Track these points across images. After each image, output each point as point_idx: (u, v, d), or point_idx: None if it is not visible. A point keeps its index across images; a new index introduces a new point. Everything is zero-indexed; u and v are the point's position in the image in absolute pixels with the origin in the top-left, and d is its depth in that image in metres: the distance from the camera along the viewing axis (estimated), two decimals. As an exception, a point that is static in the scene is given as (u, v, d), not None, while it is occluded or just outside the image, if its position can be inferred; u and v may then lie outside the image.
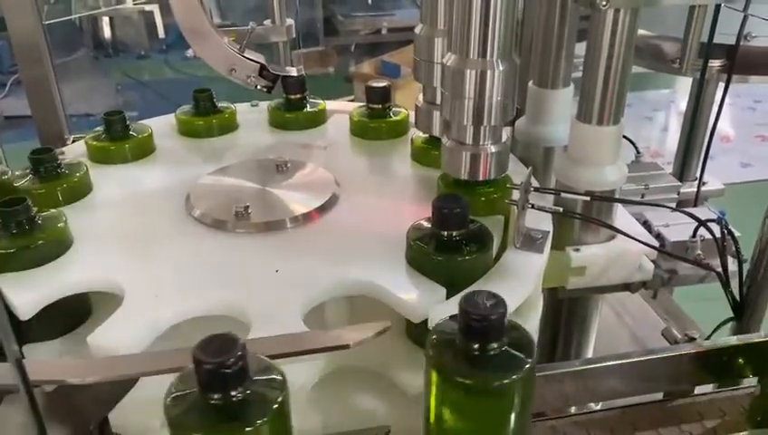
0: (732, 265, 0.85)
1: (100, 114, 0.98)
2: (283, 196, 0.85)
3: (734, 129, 3.90)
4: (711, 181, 1.25)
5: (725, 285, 0.82)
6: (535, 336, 0.78)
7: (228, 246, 0.77)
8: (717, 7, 0.93)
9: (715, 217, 0.83)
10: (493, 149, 0.76)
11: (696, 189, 1.16)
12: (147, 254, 0.76)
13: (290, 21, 1.11)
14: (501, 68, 0.71)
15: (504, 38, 0.70)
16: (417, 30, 0.87)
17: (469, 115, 0.73)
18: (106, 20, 4.99)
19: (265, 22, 1.10)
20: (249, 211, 0.79)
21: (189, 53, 4.82)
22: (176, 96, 1.00)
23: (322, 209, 0.82)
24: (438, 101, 0.86)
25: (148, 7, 4.91)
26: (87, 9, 4.77)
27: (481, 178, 0.77)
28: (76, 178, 0.87)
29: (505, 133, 0.79)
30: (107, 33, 5.03)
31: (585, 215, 0.80)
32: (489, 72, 0.71)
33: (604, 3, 0.69)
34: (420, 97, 0.92)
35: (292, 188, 0.87)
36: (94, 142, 0.97)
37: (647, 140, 3.74)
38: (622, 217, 0.88)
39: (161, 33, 5.01)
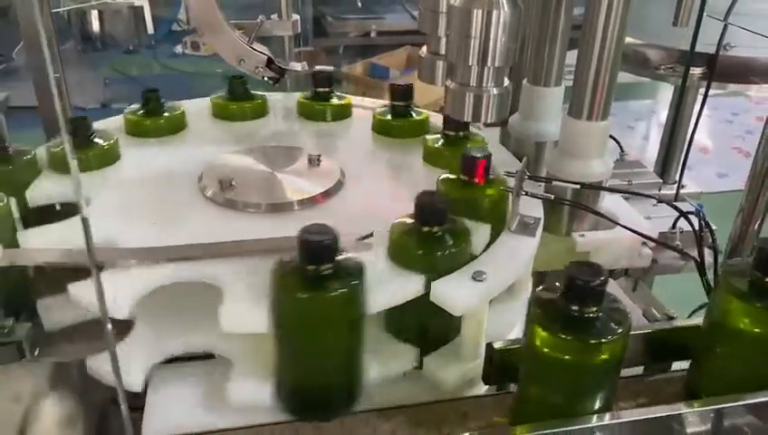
0: (709, 256, 0.92)
1: (89, 108, 1.03)
2: (289, 181, 0.89)
3: (713, 140, 4.00)
4: (689, 185, 1.32)
5: (702, 272, 0.88)
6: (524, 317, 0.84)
7: (230, 221, 0.82)
8: (701, 14, 1.00)
9: (694, 209, 0.90)
10: (495, 91, 0.78)
11: (675, 191, 1.22)
12: (154, 222, 0.81)
13: (295, 16, 1.16)
14: (506, 9, 0.73)
15: None
16: None
17: (474, 54, 0.75)
18: (95, 13, 4.97)
19: (272, 16, 1.15)
20: (234, 184, 0.85)
21: (178, 48, 4.84)
22: (164, 92, 1.04)
23: (326, 195, 0.87)
24: (442, 51, 0.89)
25: (137, 2, 4.91)
26: (76, 2, 4.76)
27: (482, 120, 0.80)
28: (106, 146, 0.93)
29: (507, 79, 0.81)
30: (95, 26, 5.01)
31: (574, 201, 0.86)
32: (495, 12, 0.73)
33: None
34: (424, 49, 0.94)
35: (298, 174, 0.91)
36: (131, 116, 1.03)
37: (628, 148, 3.76)
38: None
39: (150, 29, 5.01)
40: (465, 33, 0.74)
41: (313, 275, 0.61)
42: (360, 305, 0.65)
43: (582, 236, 0.88)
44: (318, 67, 1.12)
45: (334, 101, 1.13)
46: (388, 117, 1.07)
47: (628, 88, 4.06)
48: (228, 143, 1.02)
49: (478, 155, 0.76)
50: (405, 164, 1.00)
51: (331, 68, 1.12)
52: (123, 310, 0.66)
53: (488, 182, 0.80)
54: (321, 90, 1.12)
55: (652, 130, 4.19)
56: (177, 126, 1.05)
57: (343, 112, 1.13)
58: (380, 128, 1.08)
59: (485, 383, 0.71)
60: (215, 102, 1.11)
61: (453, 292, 0.68)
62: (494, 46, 0.74)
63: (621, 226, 0.87)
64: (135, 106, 1.05)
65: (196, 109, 1.11)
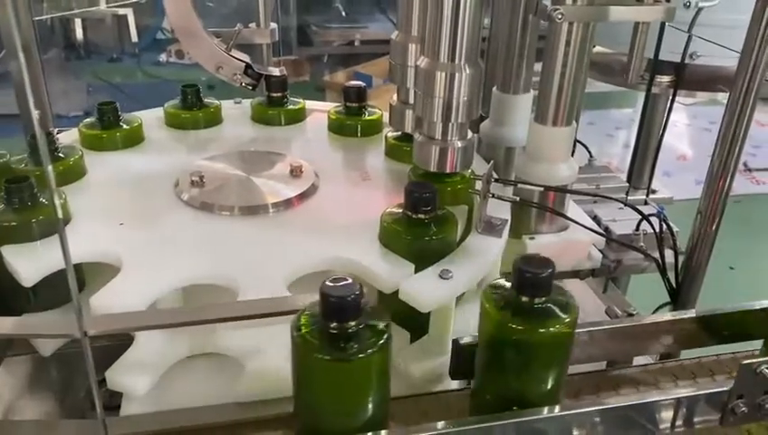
0: (671, 257, 0.95)
1: (72, 115, 1.04)
2: (265, 184, 0.92)
3: (692, 148, 4.07)
4: (661, 190, 1.36)
5: (663, 271, 0.91)
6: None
7: (216, 226, 0.83)
8: (663, 26, 1.04)
9: (656, 212, 0.93)
10: (459, 144, 0.84)
11: (644, 196, 1.26)
12: (140, 230, 0.82)
13: (273, 25, 1.19)
14: (468, 71, 0.79)
15: (470, 44, 0.79)
16: (393, 36, 0.95)
17: (439, 112, 0.81)
18: (78, 21, 4.97)
19: (250, 24, 1.17)
20: (204, 181, 0.88)
21: (162, 57, 4.86)
22: (147, 99, 1.06)
23: (303, 196, 0.89)
24: (411, 100, 0.94)
25: (121, 11, 4.92)
26: (59, 10, 4.76)
27: (448, 171, 0.85)
28: (71, 161, 0.93)
29: (470, 132, 0.87)
30: (79, 34, 5.02)
31: (540, 204, 0.89)
32: (457, 75, 0.79)
33: (559, 16, 0.79)
34: (395, 97, 0.99)
35: (274, 177, 0.94)
36: (87, 130, 1.03)
37: (609, 155, 3.88)
38: (576, 213, 0.97)
39: (134, 37, 5.03)
40: (430, 93, 0.80)
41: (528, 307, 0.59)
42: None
43: (532, 238, 0.91)
44: (271, 69, 1.15)
45: (288, 105, 1.15)
46: (344, 116, 1.11)
47: (609, 97, 4.13)
48: (186, 151, 1.05)
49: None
50: (368, 161, 1.04)
51: (284, 72, 1.15)
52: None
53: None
54: (274, 95, 1.15)
55: (633, 139, 4.24)
56: (135, 138, 1.06)
57: (297, 116, 1.16)
58: (337, 127, 1.11)
59: (452, 378, 0.73)
60: (168, 111, 1.12)
61: (420, 289, 0.70)
62: (457, 105, 0.80)
63: (589, 229, 0.91)
64: (90, 120, 1.05)
65: (151, 118, 1.12)
